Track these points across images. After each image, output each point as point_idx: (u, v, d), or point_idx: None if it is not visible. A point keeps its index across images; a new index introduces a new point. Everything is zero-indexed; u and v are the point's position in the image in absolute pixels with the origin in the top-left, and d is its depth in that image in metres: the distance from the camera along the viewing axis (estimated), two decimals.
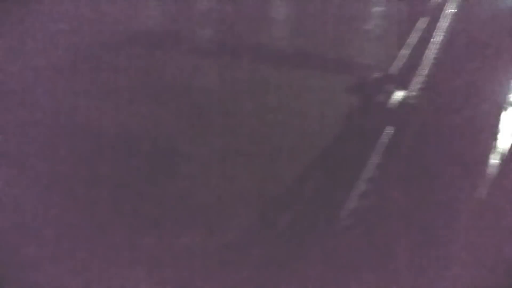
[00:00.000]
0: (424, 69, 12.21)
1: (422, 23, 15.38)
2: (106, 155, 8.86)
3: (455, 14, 16.33)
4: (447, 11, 16.48)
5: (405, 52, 13.07)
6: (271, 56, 13.11)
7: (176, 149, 8.97)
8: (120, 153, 8.92)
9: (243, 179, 8.22)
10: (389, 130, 9.39)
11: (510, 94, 11.20)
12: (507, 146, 9.12)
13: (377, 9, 18.17)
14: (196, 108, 10.31)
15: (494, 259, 6.87)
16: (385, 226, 7.28)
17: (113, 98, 10.80)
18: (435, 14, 16.37)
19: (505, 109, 10.39)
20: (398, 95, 10.77)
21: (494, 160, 8.79)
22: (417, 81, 11.58)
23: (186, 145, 9.09)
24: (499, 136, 9.46)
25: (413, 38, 14.13)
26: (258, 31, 15.30)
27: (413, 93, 11.02)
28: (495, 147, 9.14)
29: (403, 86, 11.25)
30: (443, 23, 15.60)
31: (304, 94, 11.04)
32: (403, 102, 10.64)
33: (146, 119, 9.95)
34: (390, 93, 10.82)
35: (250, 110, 10.27)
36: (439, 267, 6.68)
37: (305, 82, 11.72)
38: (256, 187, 8.01)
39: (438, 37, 14.48)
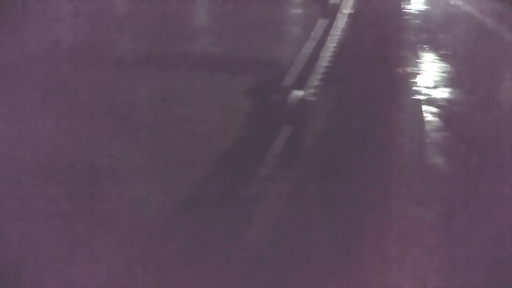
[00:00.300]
0: (321, 68, 12.49)
1: (322, 23, 15.81)
2: (29, 178, 8.45)
3: (350, 14, 16.89)
4: (343, 11, 17.04)
5: (305, 51, 13.35)
6: (188, 63, 13.09)
7: (101, 166, 8.73)
8: (42, 175, 8.56)
9: (158, 188, 8.20)
10: (287, 128, 9.55)
11: (407, 89, 11.60)
12: (412, 144, 9.38)
13: (292, 12, 18.60)
14: (117, 123, 10.09)
15: (415, 241, 7.01)
16: (288, 222, 7.41)
17: (34, 117, 10.38)
18: (334, 15, 16.89)
19: (406, 103, 10.76)
20: (296, 94, 10.97)
21: (401, 154, 9.04)
22: (314, 79, 11.83)
23: (111, 162, 8.87)
24: (397, 137, 9.71)
25: (314, 38, 14.49)
26: (175, 39, 15.28)
27: (310, 91, 11.25)
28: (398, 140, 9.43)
29: (300, 85, 11.47)
30: (340, 23, 16.08)
31: (207, 97, 11.11)
32: (301, 101, 10.84)
33: (66, 137, 9.60)
34: (288, 92, 11.01)
35: (164, 121, 10.20)
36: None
37: (210, 86, 11.78)
38: (165, 196, 7.99)
39: (334, 36, 14.91)
